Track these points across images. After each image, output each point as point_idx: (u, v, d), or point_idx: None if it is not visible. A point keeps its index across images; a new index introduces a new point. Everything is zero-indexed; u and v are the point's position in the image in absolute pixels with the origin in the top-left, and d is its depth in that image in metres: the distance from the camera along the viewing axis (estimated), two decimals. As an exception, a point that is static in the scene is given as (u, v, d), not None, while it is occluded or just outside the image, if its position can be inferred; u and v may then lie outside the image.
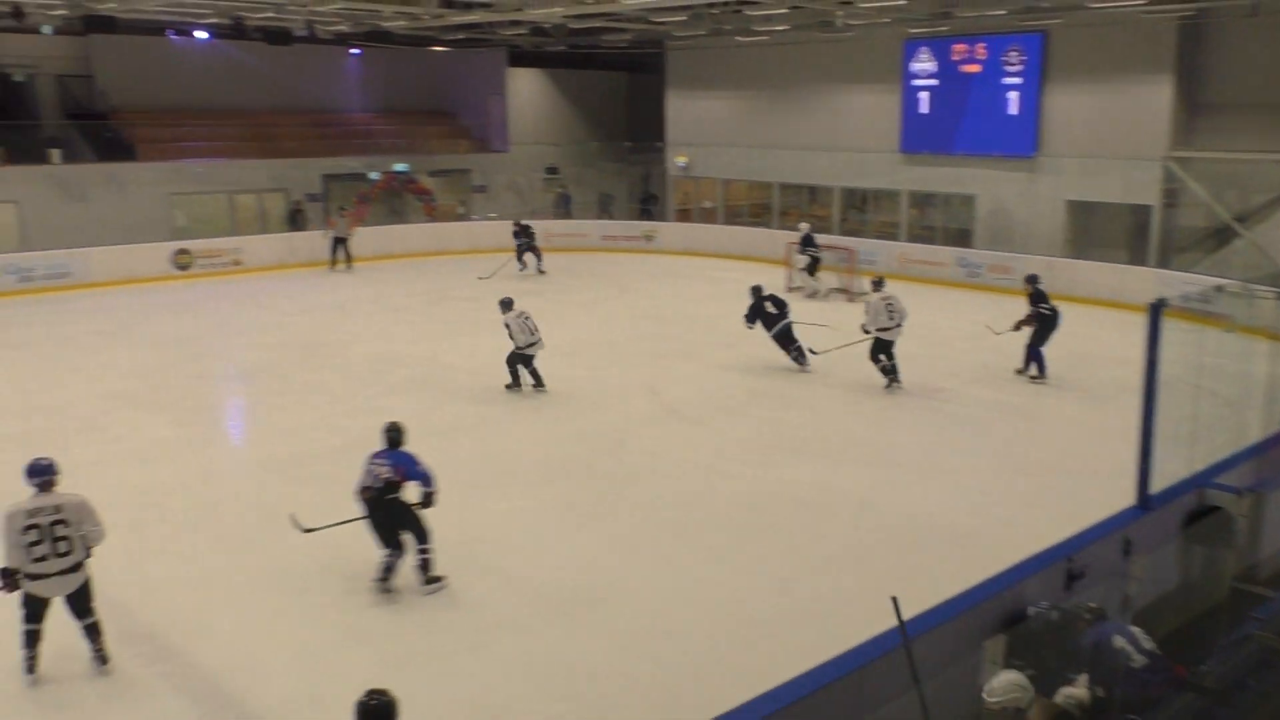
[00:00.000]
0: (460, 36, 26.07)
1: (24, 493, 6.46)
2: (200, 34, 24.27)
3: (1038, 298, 13.33)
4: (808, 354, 13.91)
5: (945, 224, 23.53)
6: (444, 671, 6.57)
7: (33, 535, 6.23)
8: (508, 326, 12.76)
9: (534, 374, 12.95)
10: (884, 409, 12.51)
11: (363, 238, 23.80)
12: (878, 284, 13.66)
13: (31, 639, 6.41)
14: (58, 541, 6.29)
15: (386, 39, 24.11)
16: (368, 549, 7.70)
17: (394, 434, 7.68)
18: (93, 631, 6.52)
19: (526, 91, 31.13)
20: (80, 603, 6.45)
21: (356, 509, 7.58)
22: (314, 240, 23.52)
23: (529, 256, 22.64)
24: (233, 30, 21.68)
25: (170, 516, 9.10)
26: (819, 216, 24.91)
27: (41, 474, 6.46)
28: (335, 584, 7.76)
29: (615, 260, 24.70)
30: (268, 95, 27.60)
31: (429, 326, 17.45)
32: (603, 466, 10.45)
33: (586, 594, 7.61)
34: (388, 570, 7.53)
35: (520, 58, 30.19)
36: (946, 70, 22.37)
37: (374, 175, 27.45)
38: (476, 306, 19.08)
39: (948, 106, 22.41)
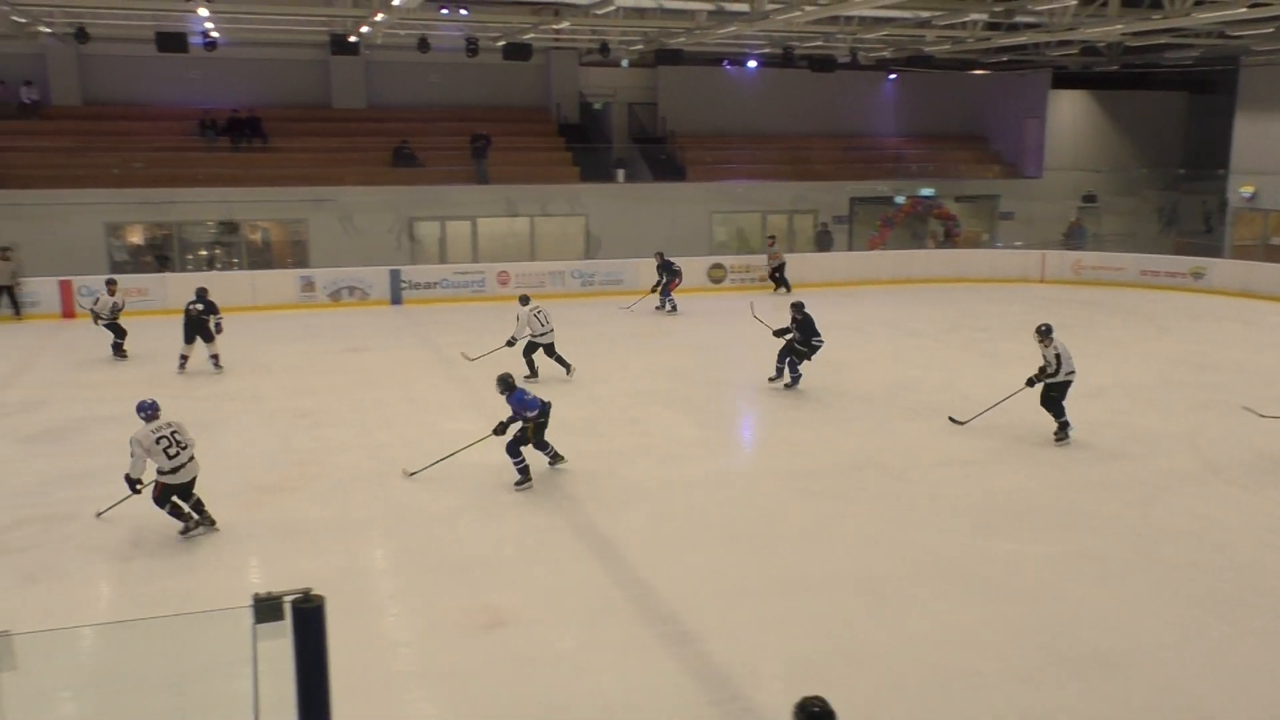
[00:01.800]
0: (1003, 59, 25.39)
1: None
2: (751, 64, 26.02)
3: None
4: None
5: None
6: (938, 708, 6.43)
7: (165, 444, 8.80)
8: (519, 319, 14.50)
9: (559, 360, 14.83)
10: None
11: (881, 261, 24.07)
12: (1046, 332, 11.69)
13: (180, 511, 8.96)
14: (179, 443, 8.88)
15: (926, 63, 24.13)
16: (872, 576, 7.76)
17: (510, 379, 10.35)
18: (199, 506, 9.09)
19: (1067, 114, 29.53)
20: (189, 487, 9.06)
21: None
22: (837, 261, 24.23)
23: (660, 294, 20.59)
24: (781, 59, 23.01)
25: (691, 512, 9.85)
26: None
27: (151, 409, 9.01)
28: (842, 598, 7.91)
29: (1153, 298, 22.58)
30: (804, 120, 28.93)
31: (944, 354, 17.18)
32: (1128, 521, 9.59)
33: (1103, 655, 7.03)
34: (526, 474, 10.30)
35: (1064, 79, 28.69)
36: None
37: (899, 199, 27.63)
38: (990, 336, 18.49)
39: None
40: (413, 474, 10.56)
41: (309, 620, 3.11)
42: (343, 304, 21.26)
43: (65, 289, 20.09)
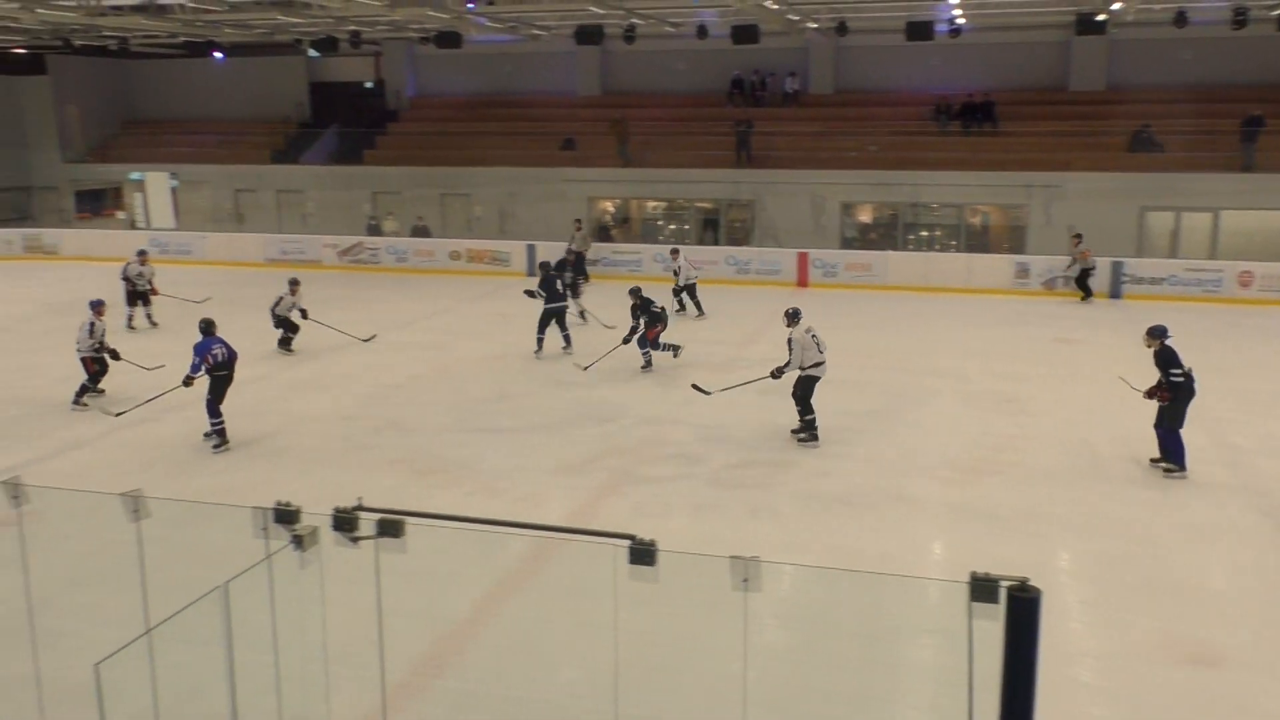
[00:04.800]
0: None
1: None
2: None
3: (1167, 359, 9.97)
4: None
5: None
6: None
7: None
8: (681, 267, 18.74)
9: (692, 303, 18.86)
10: None
11: None
12: (794, 316, 11.13)
13: None
14: None
15: None
16: None
17: (209, 324, 11.38)
18: None
19: None
20: None
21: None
22: None
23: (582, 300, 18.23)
24: None
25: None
26: None
27: None
28: None
29: None
30: None
31: None
32: None
33: None
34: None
35: None
36: None
37: None
38: None
39: None
40: None
41: (1024, 610, 3.09)
42: (1056, 293, 20.60)
43: (801, 260, 22.23)
